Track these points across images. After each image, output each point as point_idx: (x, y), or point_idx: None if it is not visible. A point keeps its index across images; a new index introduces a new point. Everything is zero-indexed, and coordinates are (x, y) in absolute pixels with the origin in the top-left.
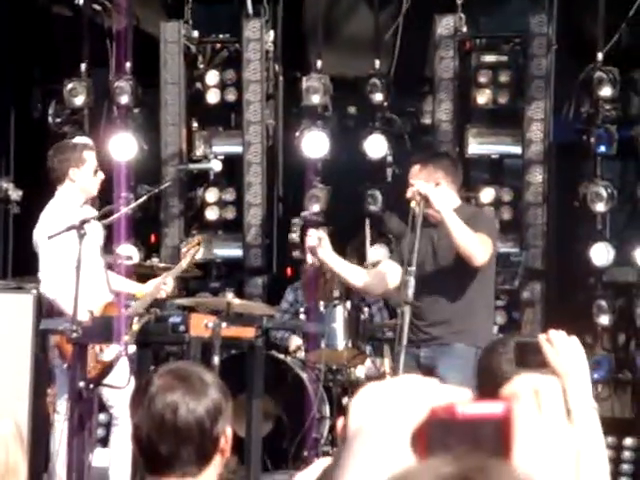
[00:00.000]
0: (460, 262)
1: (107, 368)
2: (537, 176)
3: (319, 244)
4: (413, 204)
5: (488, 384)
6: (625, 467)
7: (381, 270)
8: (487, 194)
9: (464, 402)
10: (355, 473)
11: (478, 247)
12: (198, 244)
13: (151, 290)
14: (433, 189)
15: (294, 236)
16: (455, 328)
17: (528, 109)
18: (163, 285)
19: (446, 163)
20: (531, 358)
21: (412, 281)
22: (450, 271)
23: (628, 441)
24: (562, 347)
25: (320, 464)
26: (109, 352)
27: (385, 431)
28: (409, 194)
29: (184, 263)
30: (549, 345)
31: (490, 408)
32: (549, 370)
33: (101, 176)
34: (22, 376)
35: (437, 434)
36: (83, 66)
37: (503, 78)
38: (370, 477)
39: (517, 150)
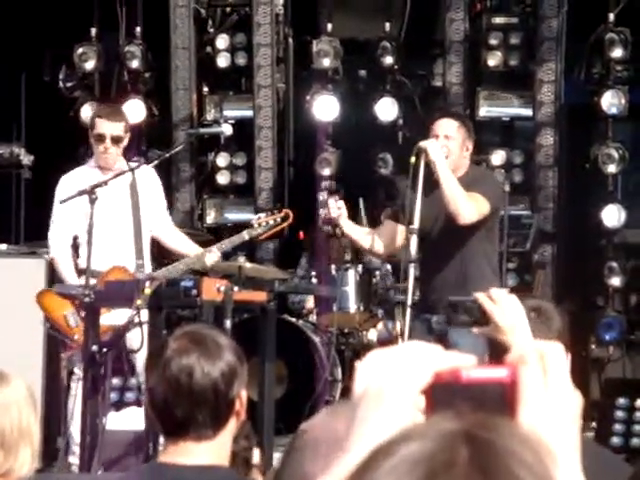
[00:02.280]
0: (465, 226)
1: (119, 332)
2: (548, 138)
3: (340, 215)
4: (412, 159)
5: (498, 347)
6: (637, 428)
7: (382, 231)
8: (498, 157)
9: (469, 366)
10: (361, 435)
11: (465, 205)
12: (285, 218)
13: (189, 258)
14: (432, 141)
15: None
16: (463, 293)
17: (539, 71)
18: (208, 254)
19: (471, 128)
20: (460, 317)
21: (415, 239)
22: (456, 235)
23: None
24: (506, 304)
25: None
26: (108, 317)
27: (390, 394)
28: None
29: (247, 234)
30: (492, 303)
31: (495, 373)
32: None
33: (106, 148)
34: (35, 340)
35: (442, 398)
36: (93, 30)
37: (514, 40)
38: (376, 438)
39: (528, 112)
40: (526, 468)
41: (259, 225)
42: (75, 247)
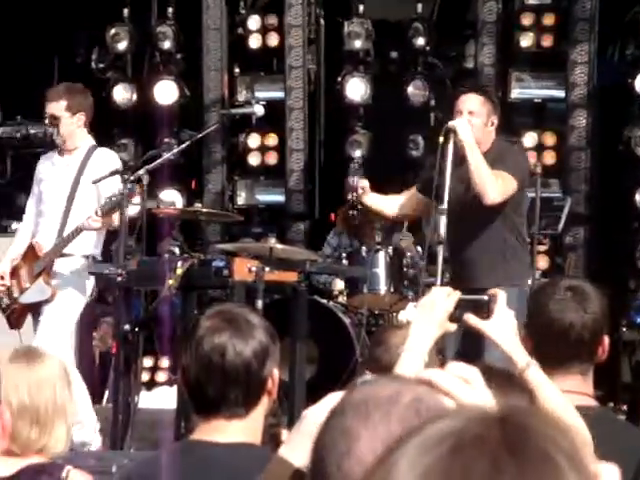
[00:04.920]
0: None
1: (151, 312)
2: (581, 120)
3: (364, 193)
4: (441, 140)
5: (537, 322)
6: None
7: (405, 194)
8: (530, 138)
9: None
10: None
11: (491, 186)
12: (132, 189)
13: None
14: (461, 121)
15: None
16: (492, 270)
17: (572, 52)
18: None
19: (497, 103)
20: (464, 314)
21: (444, 220)
22: (484, 210)
23: None
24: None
25: (331, 399)
26: (28, 295)
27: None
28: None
29: (99, 210)
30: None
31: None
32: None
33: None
34: None
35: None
36: (126, 11)
37: (547, 20)
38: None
39: (560, 94)
40: (563, 454)
41: (110, 200)
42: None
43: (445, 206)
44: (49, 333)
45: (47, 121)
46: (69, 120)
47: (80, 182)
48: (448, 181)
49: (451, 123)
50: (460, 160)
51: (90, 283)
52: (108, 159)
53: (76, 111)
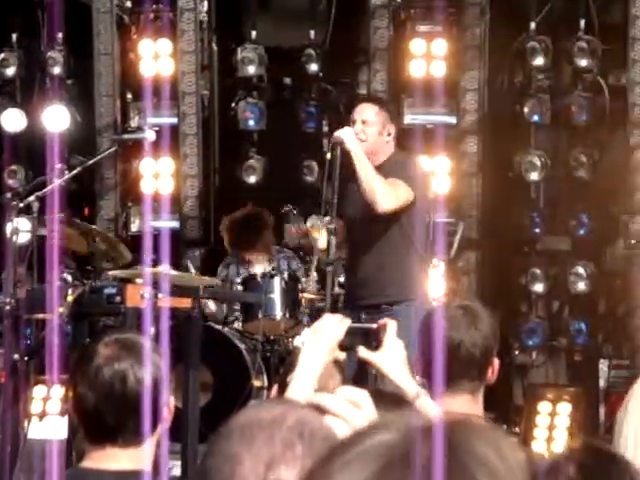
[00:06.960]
0: (383, 214)
1: (41, 341)
2: (472, 146)
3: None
4: (328, 155)
5: (428, 341)
6: (559, 433)
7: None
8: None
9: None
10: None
11: (381, 193)
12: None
13: None
14: (346, 130)
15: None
16: (389, 287)
17: (462, 79)
18: None
19: (394, 113)
20: (358, 342)
21: (333, 239)
22: (375, 224)
23: (562, 407)
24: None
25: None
26: None
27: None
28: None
29: None
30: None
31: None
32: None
33: None
34: None
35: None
36: (14, 36)
37: (438, 48)
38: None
39: (452, 120)
40: (488, 473)
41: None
42: None
43: (333, 225)
44: None
45: None
46: None
47: None
48: (336, 196)
49: (336, 134)
50: (353, 173)
51: None
52: None
53: None
